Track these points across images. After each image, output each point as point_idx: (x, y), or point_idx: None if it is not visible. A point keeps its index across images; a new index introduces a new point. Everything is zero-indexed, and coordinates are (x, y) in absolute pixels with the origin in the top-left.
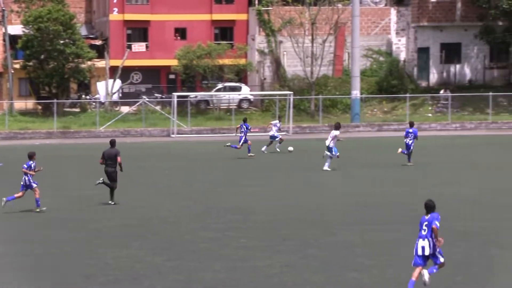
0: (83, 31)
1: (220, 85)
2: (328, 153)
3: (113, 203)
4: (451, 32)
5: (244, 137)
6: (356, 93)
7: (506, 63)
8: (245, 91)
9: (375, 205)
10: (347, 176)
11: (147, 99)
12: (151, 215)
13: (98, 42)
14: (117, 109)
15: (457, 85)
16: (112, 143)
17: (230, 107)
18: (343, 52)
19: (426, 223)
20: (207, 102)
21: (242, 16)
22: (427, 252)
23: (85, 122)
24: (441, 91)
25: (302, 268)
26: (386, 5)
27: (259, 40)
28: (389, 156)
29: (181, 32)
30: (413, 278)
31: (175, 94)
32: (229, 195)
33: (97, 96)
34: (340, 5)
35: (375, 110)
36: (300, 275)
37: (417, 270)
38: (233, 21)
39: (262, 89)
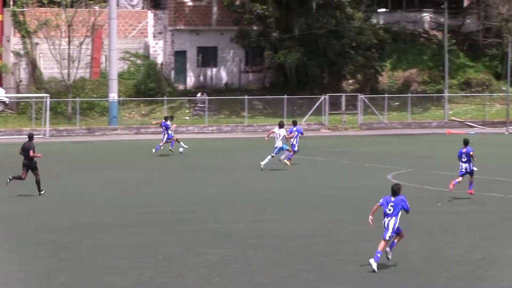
0: None
1: None
2: (285, 151)
3: (43, 191)
4: (208, 36)
5: (166, 135)
6: (113, 96)
7: (261, 67)
8: (0, 94)
9: (127, 208)
10: (93, 179)
11: None
12: None
13: None
14: None
15: (214, 89)
16: (30, 137)
17: None
18: (100, 54)
19: (392, 203)
20: None
21: None
22: (391, 228)
23: None
24: (198, 94)
25: (57, 273)
26: (143, 8)
27: (15, 42)
28: (143, 159)
29: None
30: (379, 249)
31: None
32: None
33: None
34: (97, 7)
35: (133, 113)
36: (56, 280)
37: (383, 243)
38: None
39: (18, 92)
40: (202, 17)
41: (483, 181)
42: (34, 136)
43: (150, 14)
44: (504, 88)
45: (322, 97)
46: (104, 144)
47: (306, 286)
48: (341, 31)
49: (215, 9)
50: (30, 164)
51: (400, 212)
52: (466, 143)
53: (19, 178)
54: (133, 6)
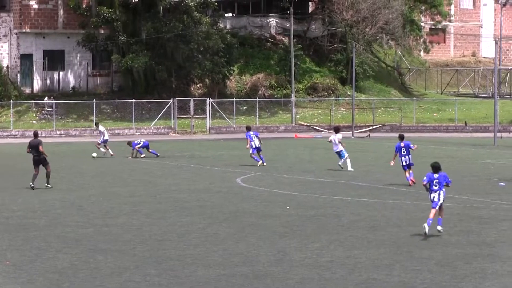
0: None
1: None
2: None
3: (50, 185)
4: (54, 39)
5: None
6: None
7: (108, 71)
8: None
9: None
10: None
11: None
12: None
13: None
14: None
15: (61, 92)
16: (35, 134)
17: None
18: None
19: (436, 180)
20: None
21: None
22: (440, 200)
23: None
24: (45, 98)
25: None
26: None
27: None
28: None
29: None
30: (431, 216)
31: None
32: None
33: None
34: None
35: None
36: None
37: (433, 211)
38: None
39: None
40: (48, 20)
41: (330, 185)
42: None
43: None
44: (349, 93)
45: (171, 101)
46: None
47: None
48: (188, 35)
49: (61, 12)
50: (40, 159)
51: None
52: (401, 137)
53: (35, 176)
54: None
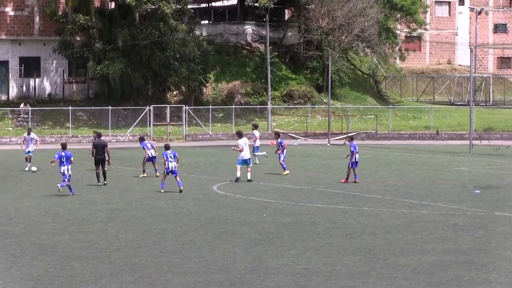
0: None
1: None
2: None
3: (105, 183)
4: (30, 46)
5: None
6: None
7: (84, 78)
8: None
9: None
10: None
11: None
12: None
13: None
14: None
15: (37, 99)
16: (99, 135)
17: None
18: None
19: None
20: None
21: None
22: None
23: None
24: (21, 105)
25: None
26: None
27: None
28: None
29: None
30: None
31: None
32: None
33: None
34: None
35: None
36: None
37: None
38: None
39: None
40: (24, 27)
41: (306, 192)
42: None
43: None
44: (325, 100)
45: (147, 108)
46: None
47: None
48: (164, 42)
49: (37, 19)
50: (104, 158)
51: None
52: (352, 138)
53: (98, 175)
54: None
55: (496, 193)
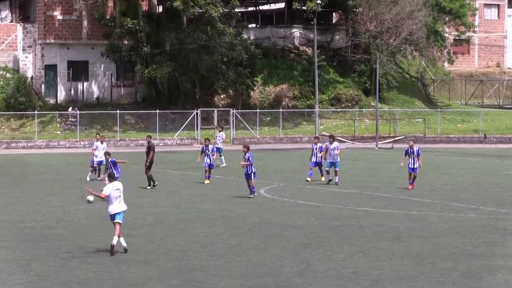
0: None
1: None
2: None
3: (156, 183)
4: (78, 50)
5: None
6: None
7: (132, 82)
8: None
9: None
10: None
11: None
12: None
13: None
14: None
15: (85, 103)
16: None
17: None
18: None
19: None
20: None
21: None
22: None
23: None
24: (70, 109)
25: None
26: (12, 21)
27: None
28: (14, 174)
29: None
30: None
31: None
32: None
33: None
34: None
35: (3, 127)
36: None
37: None
38: None
39: None
40: (72, 31)
41: (354, 196)
42: None
43: (19, 28)
44: (373, 104)
45: (194, 111)
46: None
47: None
48: (212, 46)
49: (85, 23)
50: (152, 162)
51: None
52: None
53: (149, 177)
54: (1, 19)
55: None
